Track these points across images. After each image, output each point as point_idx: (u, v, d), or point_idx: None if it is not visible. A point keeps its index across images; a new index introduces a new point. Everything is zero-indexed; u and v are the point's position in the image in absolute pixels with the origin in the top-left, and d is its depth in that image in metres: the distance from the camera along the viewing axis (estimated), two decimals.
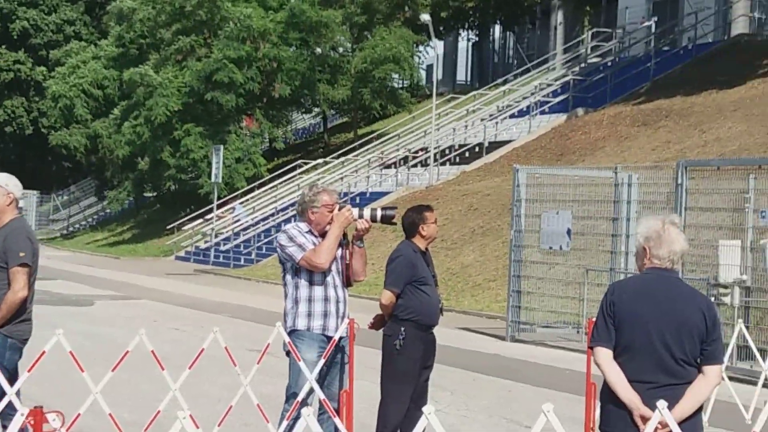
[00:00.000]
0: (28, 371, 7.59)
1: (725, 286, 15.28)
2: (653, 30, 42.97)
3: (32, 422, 4.76)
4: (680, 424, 5.33)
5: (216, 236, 41.37)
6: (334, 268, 8.20)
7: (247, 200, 44.30)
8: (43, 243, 57.16)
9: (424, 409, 4.88)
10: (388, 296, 8.77)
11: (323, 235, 8.18)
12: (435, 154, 37.51)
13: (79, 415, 7.87)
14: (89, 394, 7.92)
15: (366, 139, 46.88)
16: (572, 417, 10.28)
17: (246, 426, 10.14)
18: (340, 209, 8.17)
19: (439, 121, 41.65)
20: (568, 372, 15.02)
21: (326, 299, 8.15)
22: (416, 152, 40.11)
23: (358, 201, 37.76)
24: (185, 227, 44.43)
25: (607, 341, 5.67)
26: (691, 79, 36.17)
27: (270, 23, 45.80)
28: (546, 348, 17.90)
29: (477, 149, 38.53)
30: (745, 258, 15.35)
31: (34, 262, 8.11)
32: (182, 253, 42.65)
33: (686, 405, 5.51)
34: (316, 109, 54.24)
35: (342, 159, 43.84)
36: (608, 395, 5.67)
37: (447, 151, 39.42)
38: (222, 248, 39.86)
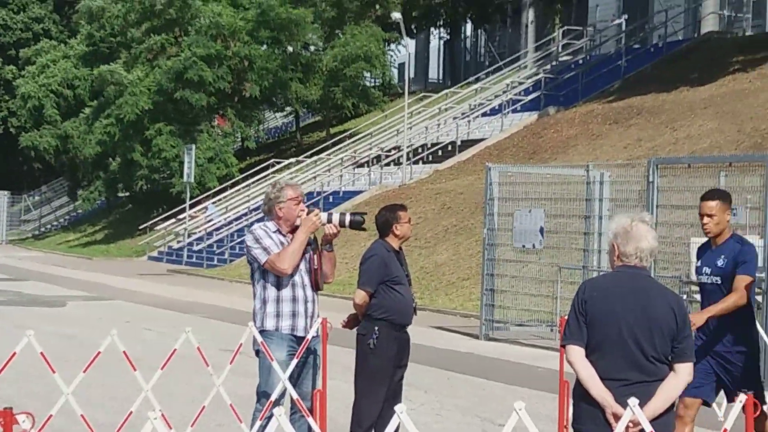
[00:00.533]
0: None
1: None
2: (624, 28, 43.10)
3: (2, 423, 4.73)
4: (652, 421, 5.36)
5: (189, 236, 41.27)
6: (303, 267, 8.19)
7: (220, 200, 44.21)
8: (15, 244, 56.91)
9: (397, 407, 4.88)
10: (361, 296, 8.77)
11: (293, 230, 8.17)
12: (408, 153, 37.52)
13: (51, 416, 7.84)
14: (61, 395, 7.89)
15: (339, 138, 46.85)
16: (546, 415, 10.31)
17: (219, 426, 10.12)
18: (308, 214, 8.14)
19: (412, 119, 41.67)
20: (542, 370, 15.06)
21: (294, 299, 8.13)
22: (389, 151, 40.12)
23: (331, 200, 37.75)
24: (158, 227, 44.30)
25: (578, 339, 5.69)
26: (662, 77, 36.32)
27: (240, 21, 45.67)
28: (520, 346, 17.93)
29: (450, 148, 38.58)
30: None
31: None
32: (155, 254, 42.52)
33: (658, 403, 5.54)
34: (289, 108, 54.13)
35: (315, 158, 43.79)
36: (581, 393, 5.69)
37: (420, 150, 39.45)
38: (195, 248, 39.76)
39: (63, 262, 41.32)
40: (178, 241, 41.98)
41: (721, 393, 8.41)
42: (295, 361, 7.98)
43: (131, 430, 8.32)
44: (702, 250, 8.45)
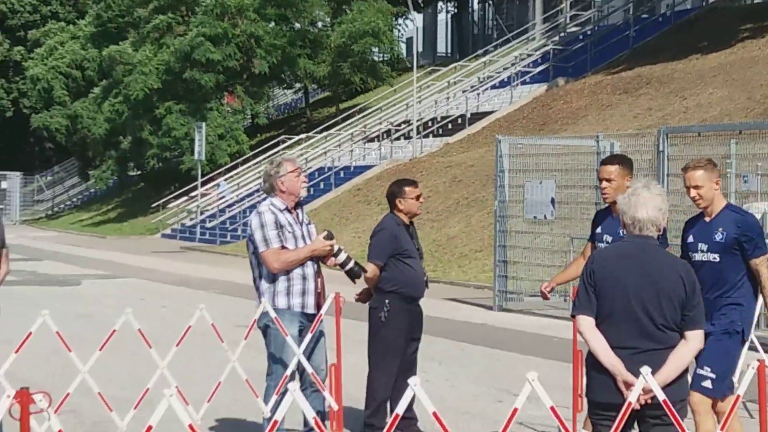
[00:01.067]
0: (15, 352, 7.63)
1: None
2: None
3: (19, 402, 4.79)
4: (664, 388, 5.40)
5: (201, 213, 41.34)
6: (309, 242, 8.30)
7: (231, 177, 44.24)
8: (28, 224, 57.09)
9: (410, 380, 4.92)
10: (371, 269, 8.84)
11: (297, 206, 8.28)
12: (418, 127, 37.49)
13: (68, 394, 7.92)
14: (78, 373, 7.96)
15: (348, 113, 46.79)
16: (560, 384, 10.35)
17: (236, 401, 10.18)
18: (325, 237, 8.21)
19: (421, 93, 41.61)
20: (556, 340, 15.10)
21: (304, 277, 8.19)
22: (399, 125, 40.08)
23: (342, 175, 37.77)
24: (170, 205, 44.37)
25: (588, 309, 5.72)
26: (670, 46, 36.20)
27: None
28: (533, 316, 17.98)
29: (459, 121, 38.53)
30: None
31: None
32: (168, 231, 42.61)
33: (669, 370, 5.57)
34: (298, 85, 54.08)
35: (325, 134, 43.76)
36: (592, 363, 5.73)
37: (430, 124, 39.40)
38: (208, 225, 39.84)
39: (76, 241, 41.45)
40: (191, 219, 42.05)
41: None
42: (309, 336, 8.05)
43: (148, 407, 8.37)
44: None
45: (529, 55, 41.81)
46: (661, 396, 5.31)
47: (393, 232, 8.93)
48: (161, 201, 45.20)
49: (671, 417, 5.35)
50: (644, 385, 5.31)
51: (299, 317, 8.19)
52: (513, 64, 40.96)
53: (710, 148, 15.97)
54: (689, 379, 6.17)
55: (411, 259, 8.91)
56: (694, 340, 5.66)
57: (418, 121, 37.74)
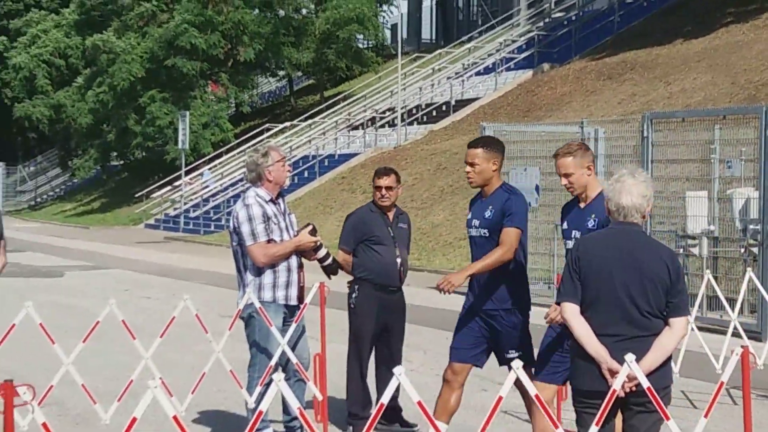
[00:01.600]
0: None
1: (693, 237, 15.40)
2: None
3: (3, 395, 4.75)
4: (648, 375, 5.39)
5: (185, 203, 41.25)
6: (292, 235, 8.26)
7: (215, 166, 44.15)
8: (11, 215, 56.89)
9: (395, 370, 4.91)
10: (340, 255, 8.96)
11: (280, 195, 8.26)
12: (402, 114, 37.45)
13: (51, 387, 7.88)
14: (61, 365, 7.93)
15: (333, 101, 46.72)
16: None
17: (220, 392, 10.16)
18: (310, 232, 8.20)
19: (406, 80, 41.55)
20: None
21: (289, 269, 8.17)
22: (383, 113, 40.03)
23: (326, 163, 37.72)
24: (154, 195, 44.27)
25: (573, 296, 5.71)
26: (655, 31, 36.20)
27: None
28: None
29: (444, 108, 38.50)
30: (713, 209, 15.47)
31: None
32: (152, 221, 42.52)
33: (653, 357, 5.57)
34: (282, 72, 53.97)
35: (309, 122, 43.69)
36: (576, 350, 5.72)
37: (414, 111, 39.34)
38: (191, 215, 39.77)
39: (60, 232, 41.33)
40: (175, 209, 41.96)
41: (719, 344, 8.37)
42: (294, 326, 8.04)
43: (132, 399, 8.35)
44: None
45: (513, 41, 41.78)
46: (646, 383, 5.31)
47: (361, 218, 9.05)
48: (145, 191, 45.10)
49: (655, 404, 5.36)
50: (629, 372, 5.30)
51: (283, 309, 8.17)
52: (498, 51, 40.88)
53: (694, 133, 15.99)
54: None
55: (380, 246, 8.93)
56: (678, 327, 5.66)
57: (402, 108, 37.69)
